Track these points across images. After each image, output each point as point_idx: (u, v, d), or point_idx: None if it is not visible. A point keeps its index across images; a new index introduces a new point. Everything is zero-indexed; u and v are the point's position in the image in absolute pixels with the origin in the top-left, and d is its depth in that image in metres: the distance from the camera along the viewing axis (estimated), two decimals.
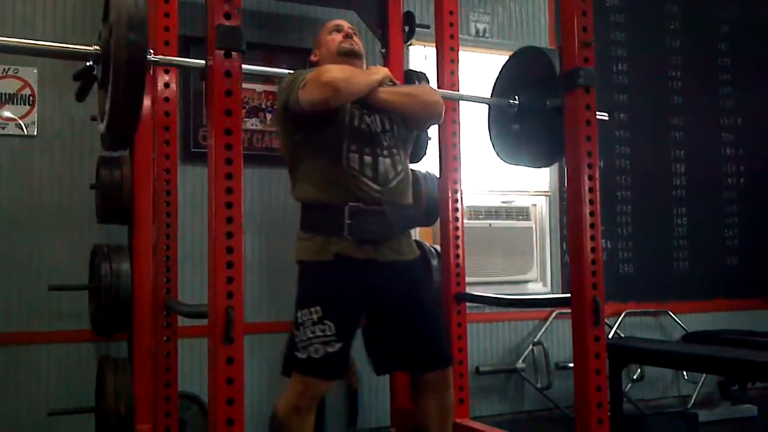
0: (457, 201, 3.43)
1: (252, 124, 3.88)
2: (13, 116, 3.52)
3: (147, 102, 3.20)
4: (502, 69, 3.26)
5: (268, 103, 3.93)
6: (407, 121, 2.65)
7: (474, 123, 4.14)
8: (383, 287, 2.52)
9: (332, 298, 2.44)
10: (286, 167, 2.64)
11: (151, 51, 2.18)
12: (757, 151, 5.22)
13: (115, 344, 3.51)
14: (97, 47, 2.10)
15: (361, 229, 2.46)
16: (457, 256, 3.40)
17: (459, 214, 3.43)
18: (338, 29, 2.71)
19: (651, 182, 4.87)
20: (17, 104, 3.53)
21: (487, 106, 3.34)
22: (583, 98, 2.49)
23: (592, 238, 2.48)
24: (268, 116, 3.93)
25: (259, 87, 3.91)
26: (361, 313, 2.54)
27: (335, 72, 2.39)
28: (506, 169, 4.43)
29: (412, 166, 3.81)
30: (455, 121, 3.46)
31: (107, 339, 3.47)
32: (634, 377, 4.59)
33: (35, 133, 3.55)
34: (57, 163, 3.58)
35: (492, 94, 3.27)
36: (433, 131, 3.74)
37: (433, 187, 3.56)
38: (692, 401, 4.51)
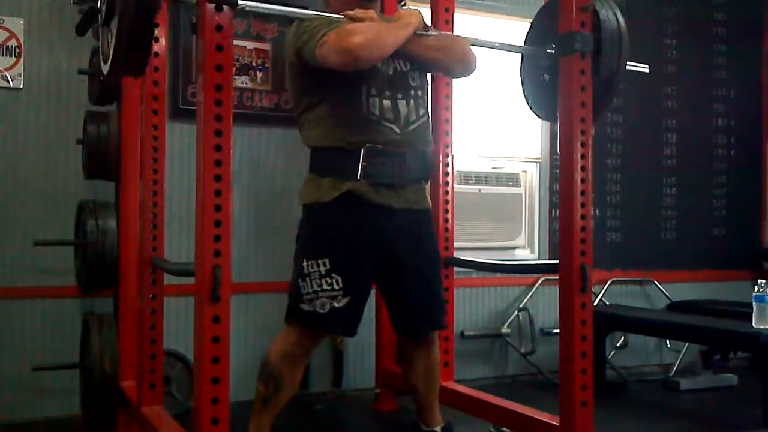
0: (447, 165, 3.42)
1: (242, 82, 3.83)
2: None
3: None
4: (538, 14, 2.93)
5: (259, 61, 3.87)
6: (438, 71, 2.58)
7: (466, 87, 4.11)
8: (395, 238, 2.46)
9: (341, 249, 2.38)
10: (295, 111, 2.55)
11: None
12: (749, 123, 5.21)
13: (101, 300, 3.50)
14: None
15: (378, 171, 2.38)
16: (446, 220, 3.40)
17: (449, 179, 3.42)
18: None
19: (641, 151, 4.86)
20: (3, 56, 3.46)
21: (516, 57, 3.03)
22: (579, 64, 2.46)
23: (583, 205, 2.48)
24: (259, 74, 3.87)
25: (249, 44, 3.84)
26: (370, 266, 2.47)
27: (357, 37, 2.20)
28: (497, 135, 4.43)
29: None
30: (448, 84, 3.43)
31: (92, 295, 3.45)
32: (618, 344, 4.63)
33: (21, 86, 3.48)
34: (43, 117, 3.52)
35: (525, 42, 2.96)
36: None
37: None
38: (674, 369, 4.55)
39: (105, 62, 1.99)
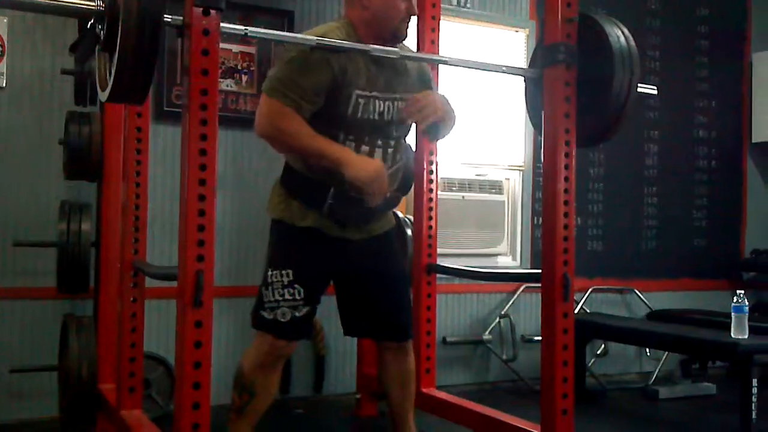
0: (432, 172, 3.42)
1: (227, 85, 3.82)
2: None
3: None
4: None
5: (244, 65, 3.86)
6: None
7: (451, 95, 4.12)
8: (354, 261, 2.55)
9: (303, 265, 2.45)
10: None
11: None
12: (730, 134, 5.26)
13: (81, 302, 3.47)
14: (101, 3, 1.91)
15: (342, 212, 2.45)
16: (430, 227, 3.40)
17: (433, 186, 3.42)
18: None
19: (623, 161, 4.89)
20: None
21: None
22: (563, 75, 2.48)
23: (566, 214, 2.49)
24: (244, 78, 3.86)
25: (235, 47, 3.84)
26: (329, 281, 2.58)
27: (268, 127, 2.33)
28: (481, 142, 4.45)
29: None
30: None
31: (72, 297, 3.42)
32: (598, 352, 4.65)
33: (4, 85, 3.45)
34: (26, 116, 3.49)
35: (530, 63, 2.88)
36: None
37: (409, 158, 3.53)
38: (653, 378, 4.58)
39: (103, 89, 1.93)
